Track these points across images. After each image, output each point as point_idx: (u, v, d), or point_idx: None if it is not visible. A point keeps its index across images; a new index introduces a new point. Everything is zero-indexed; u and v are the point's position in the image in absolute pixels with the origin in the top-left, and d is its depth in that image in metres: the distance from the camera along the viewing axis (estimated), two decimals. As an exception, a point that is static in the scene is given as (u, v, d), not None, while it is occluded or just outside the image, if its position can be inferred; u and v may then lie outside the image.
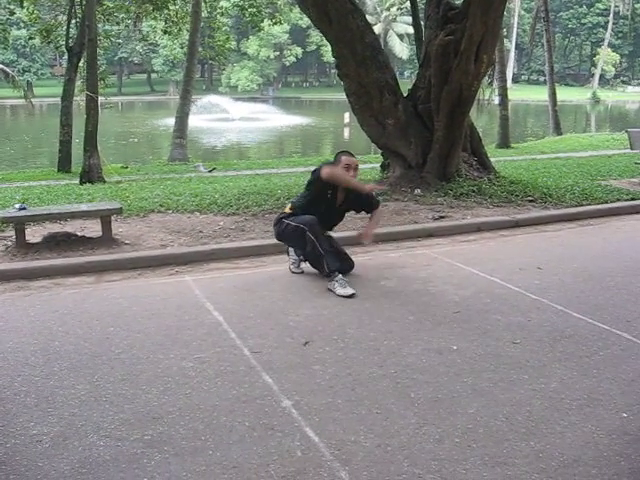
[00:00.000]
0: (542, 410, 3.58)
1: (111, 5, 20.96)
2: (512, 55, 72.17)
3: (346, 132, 36.78)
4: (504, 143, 22.18)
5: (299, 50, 73.89)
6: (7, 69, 22.78)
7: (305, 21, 59.81)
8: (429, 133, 9.82)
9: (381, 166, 10.79)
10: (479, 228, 8.00)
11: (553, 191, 9.68)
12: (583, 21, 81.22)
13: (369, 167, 13.86)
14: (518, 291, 5.67)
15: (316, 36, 67.21)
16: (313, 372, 4.04)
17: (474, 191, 9.37)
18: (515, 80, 77.49)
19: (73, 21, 18.02)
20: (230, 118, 43.59)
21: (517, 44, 78.49)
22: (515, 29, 73.31)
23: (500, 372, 4.05)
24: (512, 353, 4.34)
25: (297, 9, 45.07)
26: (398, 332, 4.71)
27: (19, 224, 6.70)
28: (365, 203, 6.21)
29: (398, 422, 3.46)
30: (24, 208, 6.98)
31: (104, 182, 13.58)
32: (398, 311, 5.17)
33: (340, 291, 5.54)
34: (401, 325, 4.86)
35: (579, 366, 4.14)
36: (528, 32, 73.68)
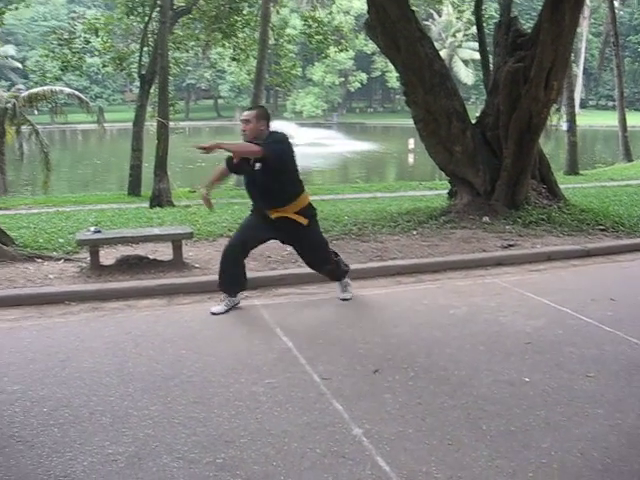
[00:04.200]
0: (619, 446, 3.49)
1: (182, 34, 21.55)
2: (580, 80, 70.92)
3: (410, 158, 36.68)
4: (572, 170, 21.81)
5: (364, 76, 74.11)
6: (81, 95, 23.53)
7: (370, 47, 60.14)
8: (497, 160, 9.72)
9: (448, 193, 10.73)
10: (549, 257, 7.87)
11: (625, 220, 9.45)
12: (653, 44, 79.49)
13: (435, 194, 13.83)
14: (591, 322, 5.54)
15: (381, 62, 67.40)
16: (383, 400, 4.03)
17: (543, 219, 9.21)
18: (583, 105, 76.01)
19: (145, 49, 18.55)
20: (295, 144, 43.79)
21: (585, 69, 77.15)
22: (583, 54, 72.12)
23: (574, 406, 3.96)
24: (586, 387, 4.24)
25: (362, 35, 45.36)
26: (468, 362, 4.67)
27: (94, 247, 6.89)
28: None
29: (470, 454, 3.42)
30: (99, 231, 7.17)
31: (173, 206, 13.88)
32: (468, 340, 5.11)
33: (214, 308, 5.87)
34: (471, 355, 4.81)
35: (657, 402, 4.02)
36: (597, 57, 72.58)
